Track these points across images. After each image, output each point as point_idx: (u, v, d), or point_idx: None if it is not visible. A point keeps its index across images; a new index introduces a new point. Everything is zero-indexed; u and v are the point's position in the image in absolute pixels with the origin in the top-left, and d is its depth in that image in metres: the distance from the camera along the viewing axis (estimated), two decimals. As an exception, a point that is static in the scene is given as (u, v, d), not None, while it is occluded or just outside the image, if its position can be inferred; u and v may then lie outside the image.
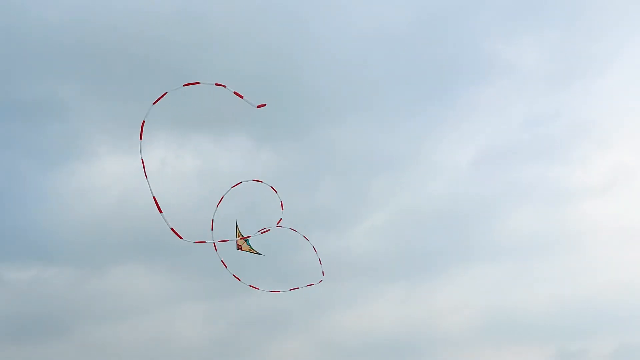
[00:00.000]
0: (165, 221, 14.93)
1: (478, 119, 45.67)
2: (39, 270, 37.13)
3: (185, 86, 14.99)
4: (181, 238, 15.32)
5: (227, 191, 18.61)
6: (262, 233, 18.98)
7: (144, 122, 14.57)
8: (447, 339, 36.37)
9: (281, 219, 19.53)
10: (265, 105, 14.31)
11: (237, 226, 20.07)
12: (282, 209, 19.78)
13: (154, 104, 14.75)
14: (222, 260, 18.48)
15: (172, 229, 15.06)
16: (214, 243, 17.67)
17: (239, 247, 20.11)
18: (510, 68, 45.77)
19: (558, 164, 43.95)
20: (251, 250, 20.27)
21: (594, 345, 34.92)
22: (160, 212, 14.85)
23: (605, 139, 44.65)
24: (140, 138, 14.61)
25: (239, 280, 18.56)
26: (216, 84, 14.91)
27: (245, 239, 20.31)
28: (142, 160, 14.67)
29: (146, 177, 14.58)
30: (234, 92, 14.49)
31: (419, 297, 38.22)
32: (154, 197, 14.72)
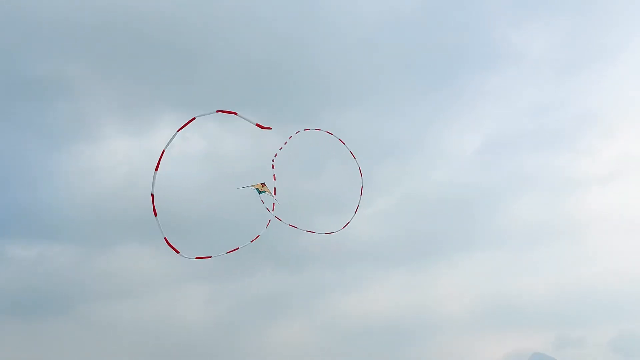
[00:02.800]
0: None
1: (484, 106, 45.69)
2: (44, 248, 37.58)
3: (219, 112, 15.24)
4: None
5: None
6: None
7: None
8: (448, 324, 36.71)
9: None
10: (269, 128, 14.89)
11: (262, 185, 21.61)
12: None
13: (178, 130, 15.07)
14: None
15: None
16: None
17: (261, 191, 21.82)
18: (518, 56, 45.69)
19: (563, 153, 44.01)
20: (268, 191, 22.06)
21: (593, 333, 35.20)
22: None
23: (611, 129, 44.62)
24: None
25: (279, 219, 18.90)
26: (257, 125, 15.42)
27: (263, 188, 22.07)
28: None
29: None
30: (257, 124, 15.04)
31: (420, 282, 38.54)
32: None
